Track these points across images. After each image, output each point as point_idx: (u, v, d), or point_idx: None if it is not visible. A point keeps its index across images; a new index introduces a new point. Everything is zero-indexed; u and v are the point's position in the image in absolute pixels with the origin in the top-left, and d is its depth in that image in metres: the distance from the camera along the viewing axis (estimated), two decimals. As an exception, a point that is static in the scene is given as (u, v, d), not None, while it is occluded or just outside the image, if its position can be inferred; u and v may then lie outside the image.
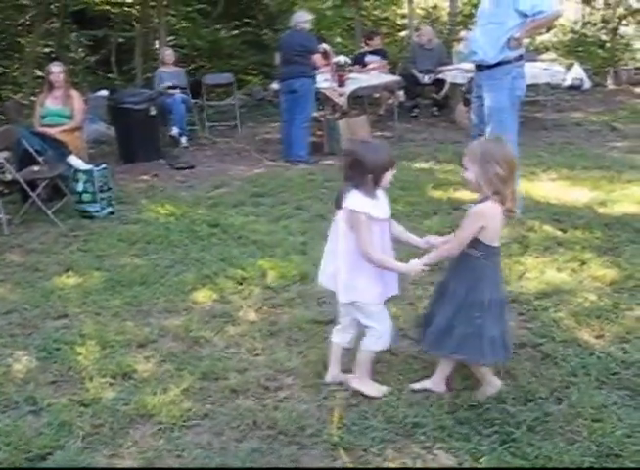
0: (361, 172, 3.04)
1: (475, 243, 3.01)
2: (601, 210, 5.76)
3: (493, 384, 3.19)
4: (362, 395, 3.23)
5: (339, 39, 15.70)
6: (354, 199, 3.05)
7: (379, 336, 3.22)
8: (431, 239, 3.26)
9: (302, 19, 8.41)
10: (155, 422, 3.11)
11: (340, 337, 3.38)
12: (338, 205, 3.13)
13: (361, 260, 3.07)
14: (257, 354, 3.68)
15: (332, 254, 3.24)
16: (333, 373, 3.40)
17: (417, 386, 3.28)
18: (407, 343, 3.71)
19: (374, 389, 3.27)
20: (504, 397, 3.14)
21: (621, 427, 2.90)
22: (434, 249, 3.17)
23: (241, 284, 4.59)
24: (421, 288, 4.33)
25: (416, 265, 3.07)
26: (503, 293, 3.20)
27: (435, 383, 3.27)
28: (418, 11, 17.58)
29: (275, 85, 9.35)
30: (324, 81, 9.00)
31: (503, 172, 2.93)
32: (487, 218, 2.98)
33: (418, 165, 7.74)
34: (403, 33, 16.94)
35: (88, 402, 3.27)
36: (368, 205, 3.05)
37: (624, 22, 17.01)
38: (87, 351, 3.75)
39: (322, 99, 9.20)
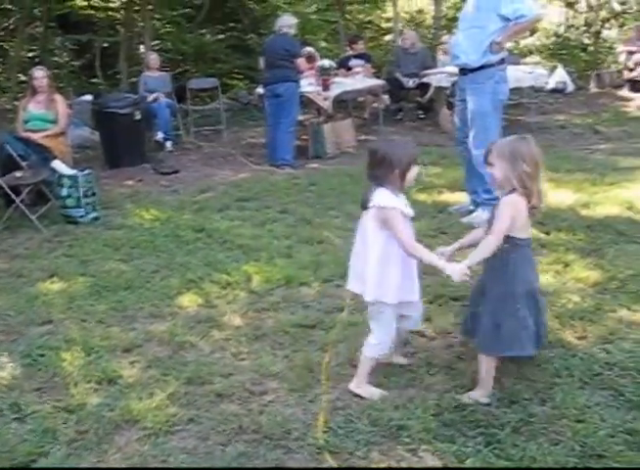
0: (388, 169, 3.06)
1: (505, 237, 3.04)
2: (584, 212, 5.79)
3: (488, 389, 3.20)
4: (357, 396, 3.26)
5: (323, 43, 15.74)
6: (382, 196, 3.07)
7: (377, 343, 3.23)
8: (441, 250, 3.26)
9: (287, 23, 8.41)
10: (140, 427, 3.11)
11: None
12: (364, 206, 3.14)
13: (389, 260, 3.09)
14: (243, 359, 3.68)
15: (357, 256, 3.24)
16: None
17: (466, 399, 3.19)
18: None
19: (369, 393, 3.28)
20: (489, 398, 3.16)
21: (604, 427, 2.93)
22: (472, 249, 3.14)
23: (226, 288, 4.59)
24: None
25: (461, 269, 2.97)
26: (536, 284, 3.23)
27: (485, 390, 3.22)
28: (402, 15, 17.64)
29: (260, 89, 9.36)
30: (308, 85, 9.02)
31: (530, 170, 3.00)
32: (516, 209, 3.02)
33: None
34: (388, 37, 17.00)
35: (73, 409, 3.26)
36: (397, 201, 3.08)
37: (607, 25, 17.14)
38: (72, 356, 3.74)
39: (307, 103, 9.20)
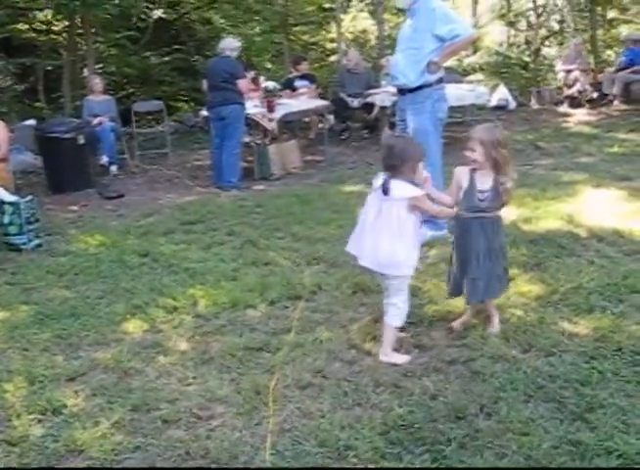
0: (403, 162, 3.61)
1: None
2: (526, 227, 5.89)
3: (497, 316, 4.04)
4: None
5: (269, 65, 15.81)
6: (403, 187, 3.61)
7: (401, 311, 3.79)
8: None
9: (229, 46, 8.43)
10: (85, 457, 3.06)
11: None
12: (385, 192, 3.63)
13: (416, 240, 3.71)
14: (189, 384, 3.64)
15: (371, 235, 3.71)
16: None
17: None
18: (339, 365, 3.73)
19: (400, 358, 3.73)
20: (435, 415, 3.19)
21: (549, 439, 2.97)
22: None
23: (172, 313, 4.55)
24: (352, 310, 4.38)
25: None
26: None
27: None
28: (347, 35, 17.83)
29: (205, 112, 9.35)
30: (254, 107, 9.05)
31: (507, 154, 3.72)
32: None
33: (349, 188, 7.83)
34: (333, 58, 17.15)
35: (16, 441, 3.19)
36: (416, 188, 3.64)
37: (547, 43, 17.57)
38: (14, 387, 3.66)
39: (252, 124, 9.22)
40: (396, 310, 3.78)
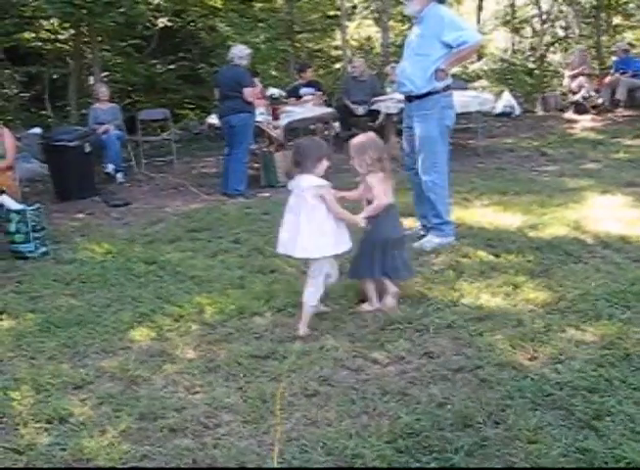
0: (306, 158, 4.14)
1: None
2: (532, 233, 5.89)
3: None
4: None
5: (274, 72, 15.84)
6: (311, 179, 4.13)
7: (315, 291, 4.26)
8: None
9: (239, 54, 8.40)
10: (92, 466, 3.05)
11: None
12: (299, 186, 4.16)
13: (325, 224, 4.12)
14: (196, 392, 3.64)
15: (293, 224, 4.18)
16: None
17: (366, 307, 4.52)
18: (346, 373, 3.73)
19: (302, 330, 4.21)
20: (442, 423, 3.18)
21: (557, 447, 2.95)
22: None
23: (178, 321, 4.55)
24: (358, 318, 4.39)
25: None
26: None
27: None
28: (352, 42, 17.87)
29: (211, 119, 9.36)
30: (259, 115, 9.05)
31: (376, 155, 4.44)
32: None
33: (355, 195, 7.80)
34: (338, 65, 17.18)
35: (23, 449, 3.18)
36: (323, 180, 4.13)
37: (551, 49, 17.59)
38: (21, 396, 3.66)
39: (258, 132, 9.24)
40: (313, 290, 4.26)
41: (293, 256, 4.28)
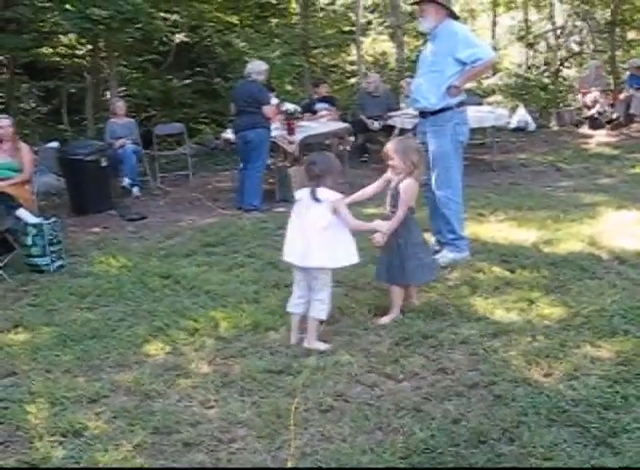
0: (325, 173, 4.21)
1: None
2: (547, 249, 5.87)
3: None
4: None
5: (289, 87, 15.90)
6: (327, 192, 4.19)
7: (325, 307, 4.28)
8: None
9: (256, 69, 8.41)
10: (92, 466, 3.07)
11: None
12: (315, 198, 4.19)
13: (335, 237, 4.21)
14: (210, 406, 3.65)
15: (303, 233, 4.25)
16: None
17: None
18: (360, 389, 3.72)
19: (322, 345, 4.23)
20: (456, 439, 3.17)
21: (572, 464, 2.94)
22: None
23: (193, 335, 4.56)
24: (373, 333, 4.39)
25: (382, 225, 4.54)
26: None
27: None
28: (367, 57, 17.94)
29: (226, 134, 9.39)
30: (275, 130, 9.08)
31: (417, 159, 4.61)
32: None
33: (370, 211, 7.78)
34: (353, 80, 17.24)
35: (37, 462, 3.21)
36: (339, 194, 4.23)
37: (566, 64, 17.58)
38: (36, 409, 3.68)
39: (273, 147, 9.27)
40: (322, 305, 4.27)
41: (307, 266, 4.25)
